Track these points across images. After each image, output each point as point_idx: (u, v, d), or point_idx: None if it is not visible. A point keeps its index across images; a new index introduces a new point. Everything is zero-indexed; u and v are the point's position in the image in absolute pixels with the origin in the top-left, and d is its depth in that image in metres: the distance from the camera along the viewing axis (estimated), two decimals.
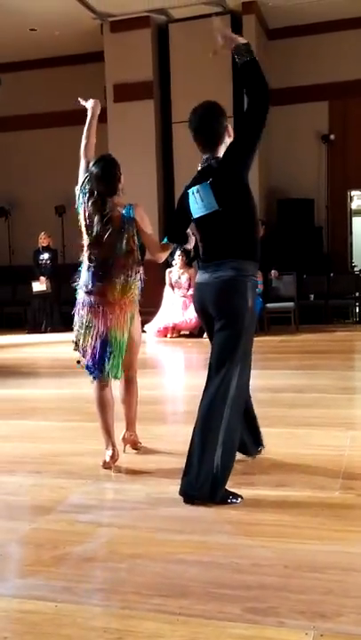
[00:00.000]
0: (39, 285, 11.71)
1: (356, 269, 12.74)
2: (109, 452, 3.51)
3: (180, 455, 3.72)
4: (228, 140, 3.08)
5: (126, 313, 3.52)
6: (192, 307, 10.08)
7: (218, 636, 1.92)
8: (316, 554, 2.42)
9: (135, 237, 3.46)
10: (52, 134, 13.13)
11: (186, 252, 10.01)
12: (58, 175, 12.96)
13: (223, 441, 2.95)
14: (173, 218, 3.46)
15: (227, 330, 3.01)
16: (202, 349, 8.84)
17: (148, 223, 3.55)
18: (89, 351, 3.50)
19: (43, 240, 11.74)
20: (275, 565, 2.34)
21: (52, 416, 4.95)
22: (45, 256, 11.79)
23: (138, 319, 3.67)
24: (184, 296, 10.12)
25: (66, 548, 2.54)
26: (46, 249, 11.85)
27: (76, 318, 3.56)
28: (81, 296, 3.53)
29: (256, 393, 5.39)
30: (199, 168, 3.12)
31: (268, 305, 10.21)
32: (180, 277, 10.23)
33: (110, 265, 3.44)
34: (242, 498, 2.97)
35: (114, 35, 11.62)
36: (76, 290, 3.60)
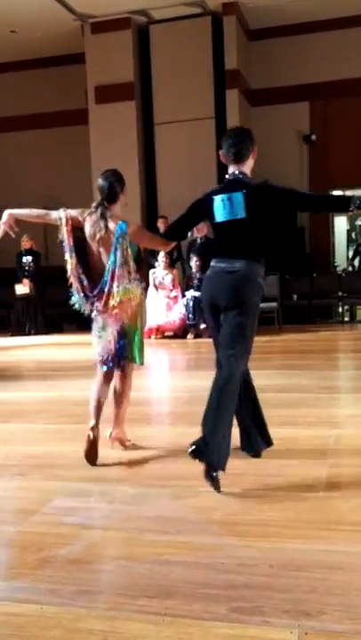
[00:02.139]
0: (22, 288, 11.66)
1: (338, 269, 12.82)
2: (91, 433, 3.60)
3: (165, 456, 3.74)
4: (251, 162, 3.54)
5: (135, 309, 3.77)
6: (176, 308, 10.10)
7: (204, 636, 1.93)
8: (301, 552, 2.43)
9: (129, 250, 3.62)
10: (34, 136, 13.09)
11: (169, 253, 10.03)
12: (40, 177, 12.95)
13: (230, 415, 3.22)
14: (181, 219, 3.68)
15: (238, 317, 3.31)
16: (186, 350, 8.85)
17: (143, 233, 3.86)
18: (109, 347, 3.74)
19: (25, 243, 11.68)
20: (260, 565, 2.35)
21: (37, 419, 4.92)
22: (28, 259, 11.74)
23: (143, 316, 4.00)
24: (168, 297, 10.12)
25: (51, 551, 2.53)
26: (29, 252, 11.79)
27: (94, 325, 3.79)
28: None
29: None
30: (227, 178, 3.50)
31: None
32: (163, 278, 10.24)
33: (106, 276, 3.61)
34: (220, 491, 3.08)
35: (94, 36, 11.60)
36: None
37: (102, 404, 3.75)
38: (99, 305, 3.64)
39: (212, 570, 2.32)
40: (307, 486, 3.12)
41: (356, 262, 12.39)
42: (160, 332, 10.05)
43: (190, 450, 3.05)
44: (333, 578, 2.23)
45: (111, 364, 3.77)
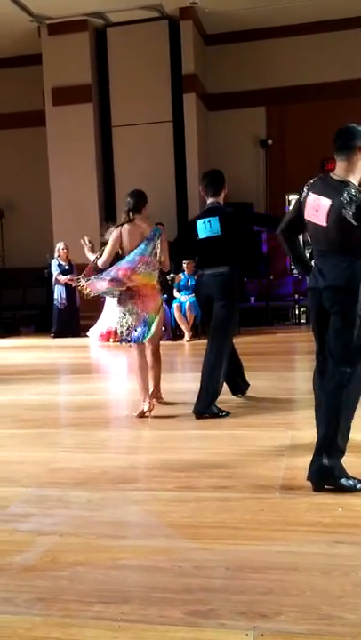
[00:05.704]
0: None
1: (294, 272, 12.97)
2: (146, 405, 4.70)
3: (122, 460, 3.72)
4: (223, 194, 4.84)
5: (156, 300, 4.83)
6: None
7: None
8: (257, 554, 2.45)
9: (159, 245, 4.73)
10: None
11: None
12: None
13: (221, 373, 4.69)
14: (182, 242, 5.35)
15: (225, 307, 4.71)
16: None
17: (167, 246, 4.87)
18: (134, 325, 4.79)
19: None
20: (216, 567, 2.36)
21: None
22: None
23: (163, 307, 5.16)
24: None
25: (6, 559, 2.50)
26: None
27: (119, 308, 4.85)
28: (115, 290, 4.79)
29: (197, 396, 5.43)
30: (206, 208, 4.85)
31: None
32: None
33: (131, 256, 4.67)
34: (229, 413, 4.65)
35: (51, 37, 11.52)
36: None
37: (147, 382, 4.85)
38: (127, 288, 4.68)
39: (169, 573, 2.33)
40: (262, 487, 3.15)
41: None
42: (119, 336, 9.98)
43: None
44: (289, 579, 2.25)
45: (130, 340, 4.83)
